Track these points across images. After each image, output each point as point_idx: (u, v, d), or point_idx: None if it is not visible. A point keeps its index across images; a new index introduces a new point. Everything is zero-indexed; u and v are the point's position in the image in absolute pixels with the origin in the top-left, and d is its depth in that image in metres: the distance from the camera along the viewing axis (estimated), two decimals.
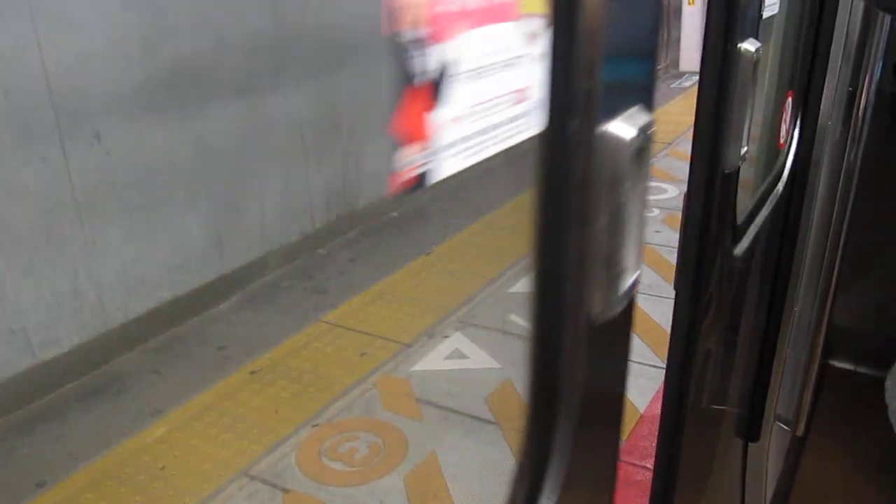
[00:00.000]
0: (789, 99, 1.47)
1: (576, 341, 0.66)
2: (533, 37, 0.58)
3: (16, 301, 2.69)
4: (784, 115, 1.45)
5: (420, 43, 0.49)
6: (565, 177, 0.61)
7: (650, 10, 0.67)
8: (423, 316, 3.25)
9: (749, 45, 0.98)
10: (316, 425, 2.59)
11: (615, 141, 0.61)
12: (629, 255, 0.66)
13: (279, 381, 2.84)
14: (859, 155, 1.92)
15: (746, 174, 1.19)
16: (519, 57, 0.57)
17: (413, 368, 2.88)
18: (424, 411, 2.64)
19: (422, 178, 0.51)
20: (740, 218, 1.19)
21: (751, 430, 1.81)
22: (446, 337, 3.08)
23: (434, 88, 0.50)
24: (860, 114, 1.91)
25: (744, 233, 1.22)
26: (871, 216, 2.24)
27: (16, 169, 2.66)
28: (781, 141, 1.47)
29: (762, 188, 1.41)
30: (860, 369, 2.51)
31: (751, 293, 1.43)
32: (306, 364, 2.95)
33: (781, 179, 1.47)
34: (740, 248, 1.19)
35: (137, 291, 3.11)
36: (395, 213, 4.32)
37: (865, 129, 1.96)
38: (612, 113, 0.62)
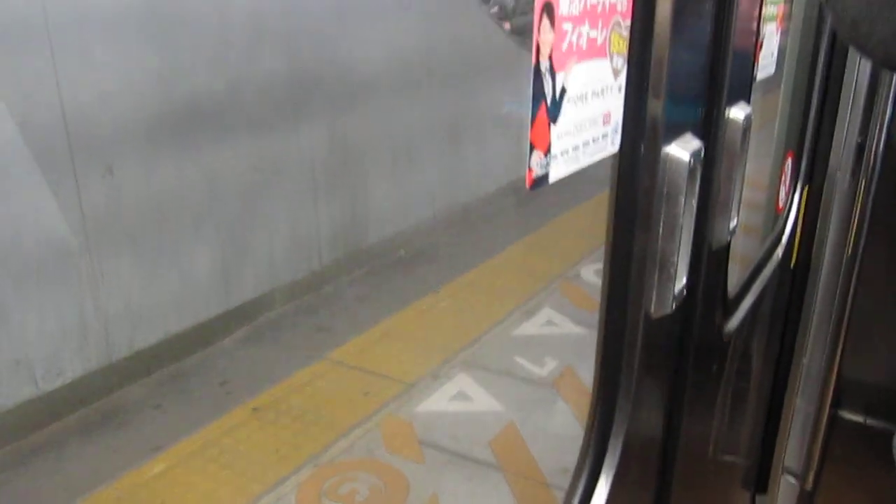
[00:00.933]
0: (789, 160, 1.44)
1: (634, 332, 0.83)
2: (618, 71, 0.72)
3: (21, 331, 2.69)
4: (783, 178, 1.42)
5: (549, 72, 0.61)
6: (636, 188, 0.78)
7: (700, 59, 0.84)
8: (428, 356, 3.23)
9: (739, 111, 0.92)
10: (317, 465, 2.55)
11: (676, 161, 0.77)
12: (681, 261, 0.82)
13: (281, 419, 2.81)
14: (869, 205, 1.91)
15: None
16: (607, 87, 0.71)
17: (416, 409, 2.85)
18: (427, 454, 2.61)
19: (544, 178, 0.64)
20: (733, 290, 1.15)
21: (759, 481, 1.78)
22: (451, 378, 3.05)
23: (554, 108, 0.64)
24: (870, 164, 1.90)
25: (737, 306, 1.17)
26: (881, 266, 2.23)
27: (28, 199, 2.68)
28: (780, 204, 1.44)
29: (759, 255, 1.37)
30: (870, 422, 2.47)
31: (756, 353, 1.40)
32: (309, 402, 2.92)
33: (780, 244, 1.42)
34: (732, 323, 1.14)
35: (143, 324, 3.10)
36: (402, 252, 4.32)
37: (875, 179, 1.95)
38: (671, 137, 0.78)
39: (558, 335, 3.35)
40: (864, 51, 0.63)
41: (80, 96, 2.74)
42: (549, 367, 3.11)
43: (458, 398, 2.92)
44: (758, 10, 0.96)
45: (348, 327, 3.51)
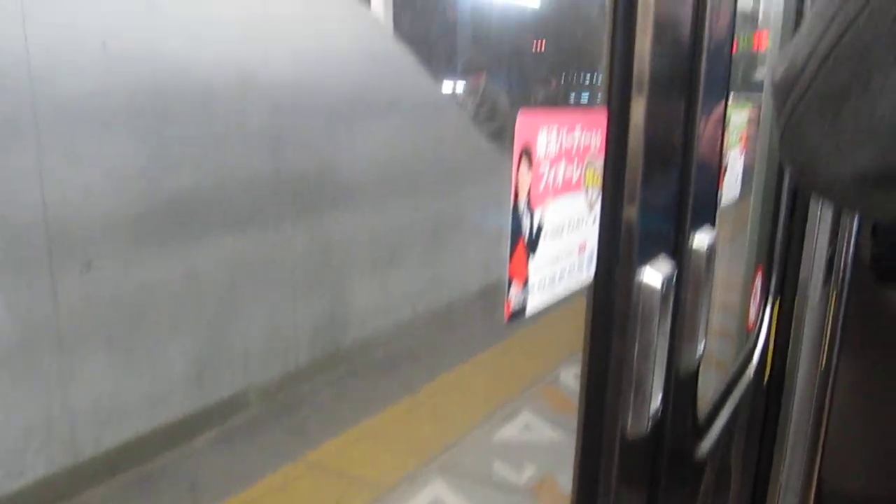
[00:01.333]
0: (759, 276, 1.47)
1: (610, 451, 0.83)
2: (592, 204, 0.76)
3: None
4: (753, 294, 1.44)
5: (527, 210, 0.65)
6: (611, 312, 0.80)
7: (669, 188, 0.87)
8: (405, 460, 3.16)
9: (704, 236, 0.94)
10: None
11: (649, 284, 0.80)
12: (656, 383, 0.82)
13: None
14: (840, 316, 1.95)
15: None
16: (582, 219, 0.75)
17: None
18: None
19: (522, 311, 0.67)
20: (706, 410, 1.15)
21: None
22: (427, 484, 2.98)
23: (532, 242, 0.67)
24: (840, 275, 1.95)
25: (709, 427, 1.17)
26: (857, 375, 2.24)
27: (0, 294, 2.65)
28: (751, 322, 1.45)
29: (731, 374, 1.37)
30: None
31: (733, 469, 1.39)
32: None
33: (752, 363, 1.42)
34: (705, 445, 1.14)
35: (111, 423, 3.02)
36: (381, 352, 4.29)
37: (846, 290, 1.99)
38: (644, 262, 0.81)
39: (537, 440, 3.31)
40: (815, 194, 0.69)
41: (62, 192, 2.76)
42: (528, 473, 3.05)
43: None
44: (720, 139, 1.01)
45: (324, 428, 3.44)
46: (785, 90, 0.61)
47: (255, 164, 3.50)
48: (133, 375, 3.08)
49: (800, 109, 0.59)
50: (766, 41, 1.62)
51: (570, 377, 3.80)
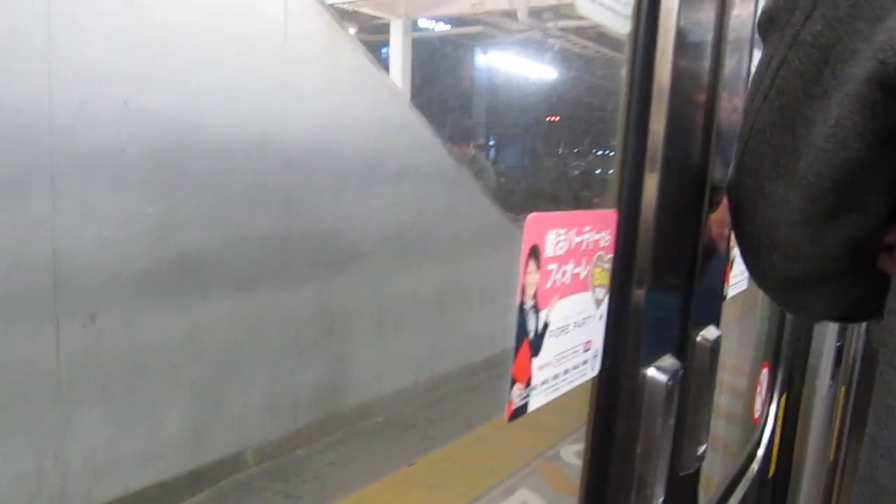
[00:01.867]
0: (765, 370, 1.46)
1: None
2: (599, 301, 0.77)
3: None
4: (758, 389, 1.43)
5: (533, 310, 0.64)
6: (615, 411, 0.79)
7: (676, 285, 0.88)
8: None
9: (708, 334, 0.93)
10: None
11: (654, 383, 0.79)
12: (658, 481, 0.80)
13: None
14: (850, 409, 1.91)
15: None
16: (589, 317, 0.75)
17: None
18: None
19: (523, 408, 0.66)
20: None
21: None
22: None
23: (536, 342, 0.66)
24: (850, 368, 1.92)
25: None
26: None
27: (2, 342, 2.64)
28: (756, 416, 1.44)
29: (735, 469, 1.34)
30: None
31: None
32: None
33: (757, 457, 1.39)
34: None
35: (103, 479, 2.97)
36: (380, 419, 4.24)
37: (855, 382, 1.96)
38: (650, 359, 0.80)
39: None
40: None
41: (73, 244, 2.78)
42: None
43: None
44: (728, 236, 1.01)
45: (318, 496, 3.37)
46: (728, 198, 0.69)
47: (265, 227, 3.53)
48: (129, 431, 3.04)
49: (734, 220, 0.66)
50: None
51: (571, 454, 3.72)
